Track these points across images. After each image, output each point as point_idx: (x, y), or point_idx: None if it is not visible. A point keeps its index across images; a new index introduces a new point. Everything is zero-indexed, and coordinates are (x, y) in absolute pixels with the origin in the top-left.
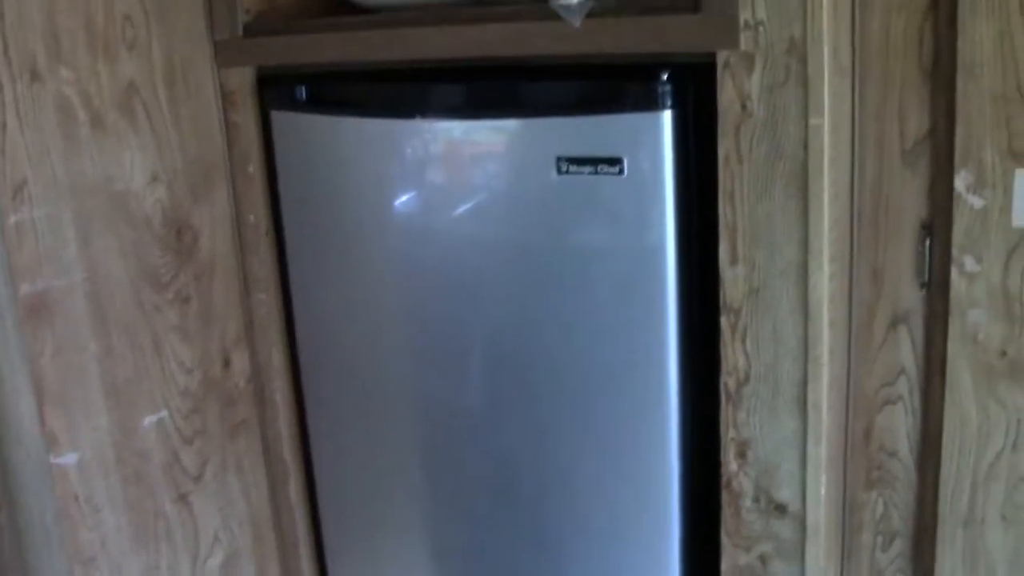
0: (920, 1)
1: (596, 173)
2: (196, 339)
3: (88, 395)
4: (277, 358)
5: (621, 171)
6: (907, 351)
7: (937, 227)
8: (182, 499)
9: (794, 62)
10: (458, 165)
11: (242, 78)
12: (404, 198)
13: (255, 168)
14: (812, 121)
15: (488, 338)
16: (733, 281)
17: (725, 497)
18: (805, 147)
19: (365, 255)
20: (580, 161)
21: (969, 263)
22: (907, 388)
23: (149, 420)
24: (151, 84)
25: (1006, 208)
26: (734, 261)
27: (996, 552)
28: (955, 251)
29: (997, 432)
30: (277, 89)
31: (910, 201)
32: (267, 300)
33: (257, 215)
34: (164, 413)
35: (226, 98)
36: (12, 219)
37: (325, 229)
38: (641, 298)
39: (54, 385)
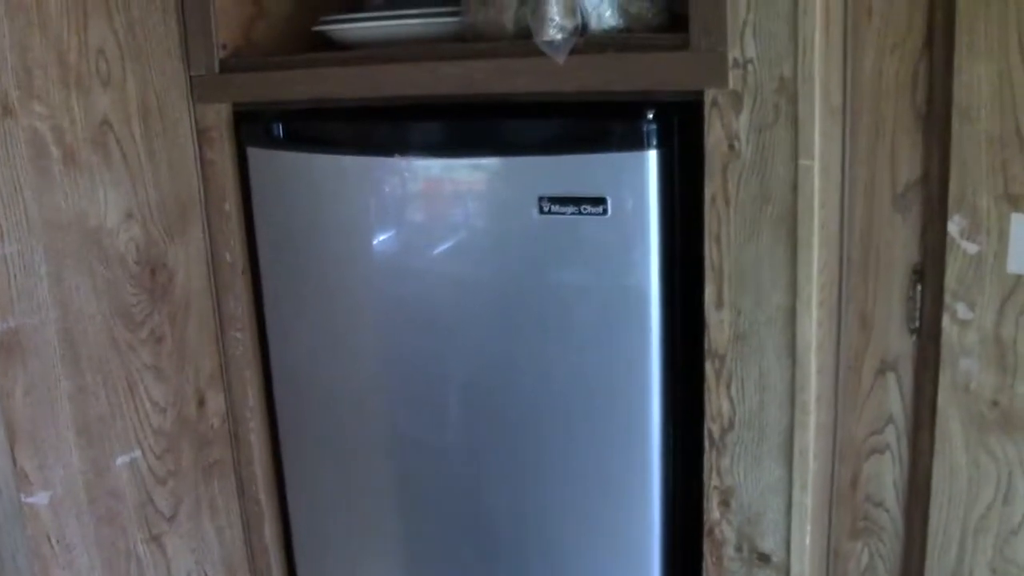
0: (915, 41)
1: (579, 213)
2: (170, 378)
3: (60, 433)
4: (252, 398)
5: (605, 211)
6: (895, 399)
7: (929, 273)
8: (155, 540)
9: (784, 101)
10: (437, 204)
11: (218, 114)
12: (382, 236)
13: (231, 206)
14: (802, 162)
15: (467, 379)
16: (719, 326)
17: (707, 545)
18: (794, 189)
19: (343, 294)
20: (563, 201)
21: (962, 310)
22: (895, 437)
23: (122, 460)
24: (126, 120)
25: (1001, 254)
26: (720, 305)
27: None
28: (947, 297)
29: (987, 484)
30: (254, 125)
31: (901, 246)
32: (243, 339)
33: (233, 253)
34: (137, 453)
35: (202, 134)
36: None
37: (302, 267)
38: (624, 340)
39: (25, 423)
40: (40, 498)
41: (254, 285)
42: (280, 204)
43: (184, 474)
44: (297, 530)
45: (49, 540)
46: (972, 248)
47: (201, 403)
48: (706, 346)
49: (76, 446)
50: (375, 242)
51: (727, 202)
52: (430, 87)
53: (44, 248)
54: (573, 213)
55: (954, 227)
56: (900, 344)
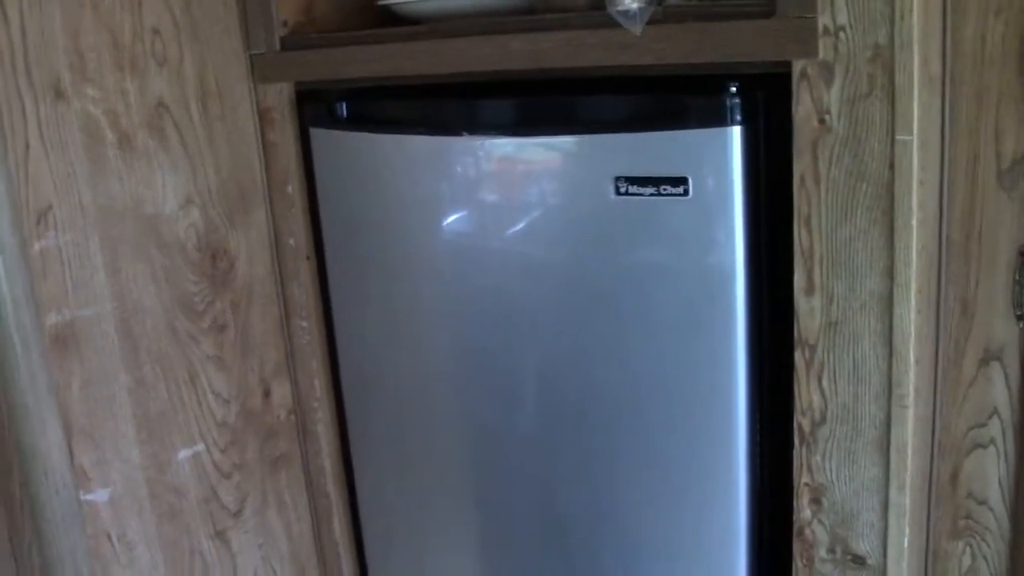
0: (1022, 3)
1: (658, 194)
2: (233, 369)
3: (119, 428)
4: (319, 388)
5: (685, 192)
6: (1000, 390)
7: None
8: (220, 536)
9: (879, 72)
10: (508, 185)
11: (280, 94)
12: (451, 219)
13: (294, 188)
14: (899, 137)
15: (540, 367)
16: (809, 313)
17: (797, 547)
18: (891, 166)
19: (411, 279)
20: (641, 181)
21: None
22: (1000, 430)
23: (184, 454)
24: (183, 102)
25: None
26: (810, 291)
27: None
28: None
29: None
30: (316, 105)
31: (1006, 226)
32: (308, 328)
33: (297, 238)
34: (200, 446)
35: (263, 116)
36: (36, 246)
37: (369, 252)
38: (707, 328)
39: (82, 418)
40: (99, 495)
41: (319, 271)
42: (345, 187)
43: (249, 468)
44: (367, 523)
45: (109, 538)
46: None
47: (266, 394)
48: (796, 335)
49: (136, 441)
50: (444, 225)
51: (817, 181)
52: (499, 62)
53: (100, 236)
54: (652, 194)
55: None
56: (1005, 331)
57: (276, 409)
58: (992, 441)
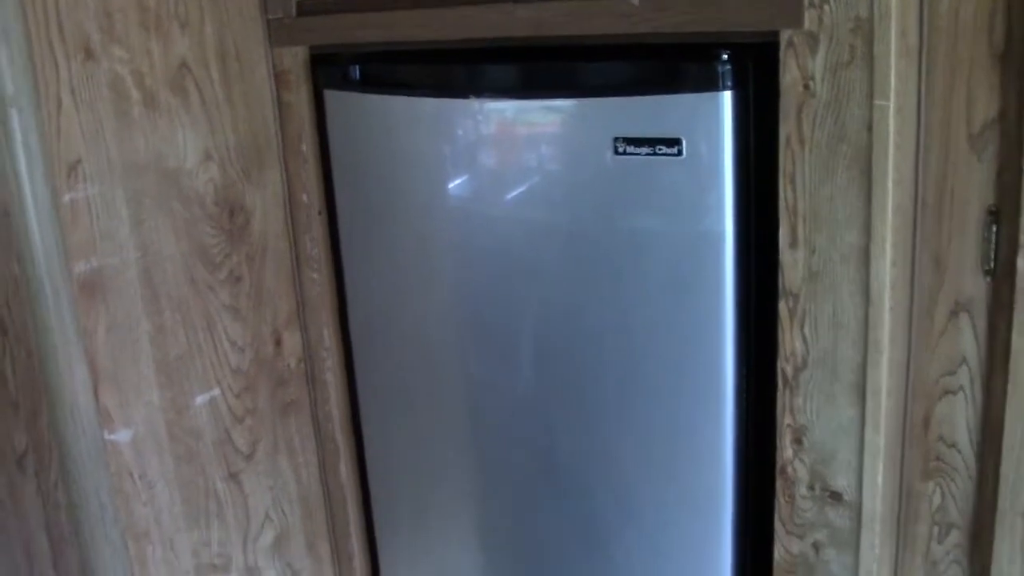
0: None
1: (654, 154)
2: (248, 318)
3: (141, 372)
4: (329, 338)
5: (679, 152)
6: (969, 340)
7: (1004, 213)
8: (233, 477)
9: (860, 42)
10: (512, 145)
11: (295, 57)
12: (458, 178)
13: (308, 148)
14: (877, 102)
15: (540, 322)
16: (792, 265)
17: (780, 484)
18: (869, 129)
19: (418, 236)
20: (638, 142)
21: None
22: (968, 378)
23: (201, 398)
24: (203, 63)
25: None
26: (794, 244)
27: None
28: (1023, 238)
29: None
30: (330, 68)
31: (976, 186)
32: (319, 280)
33: (310, 195)
34: (216, 391)
35: (279, 77)
36: (67, 197)
37: (378, 209)
38: (698, 282)
39: (107, 362)
40: (122, 435)
41: (330, 227)
42: (356, 146)
43: (262, 413)
44: (373, 469)
45: (131, 476)
46: None
47: (278, 343)
48: (780, 285)
49: (157, 384)
50: (450, 184)
51: (802, 143)
52: (503, 29)
53: (125, 190)
54: (648, 154)
55: None
56: (974, 285)
57: (287, 357)
58: (961, 388)
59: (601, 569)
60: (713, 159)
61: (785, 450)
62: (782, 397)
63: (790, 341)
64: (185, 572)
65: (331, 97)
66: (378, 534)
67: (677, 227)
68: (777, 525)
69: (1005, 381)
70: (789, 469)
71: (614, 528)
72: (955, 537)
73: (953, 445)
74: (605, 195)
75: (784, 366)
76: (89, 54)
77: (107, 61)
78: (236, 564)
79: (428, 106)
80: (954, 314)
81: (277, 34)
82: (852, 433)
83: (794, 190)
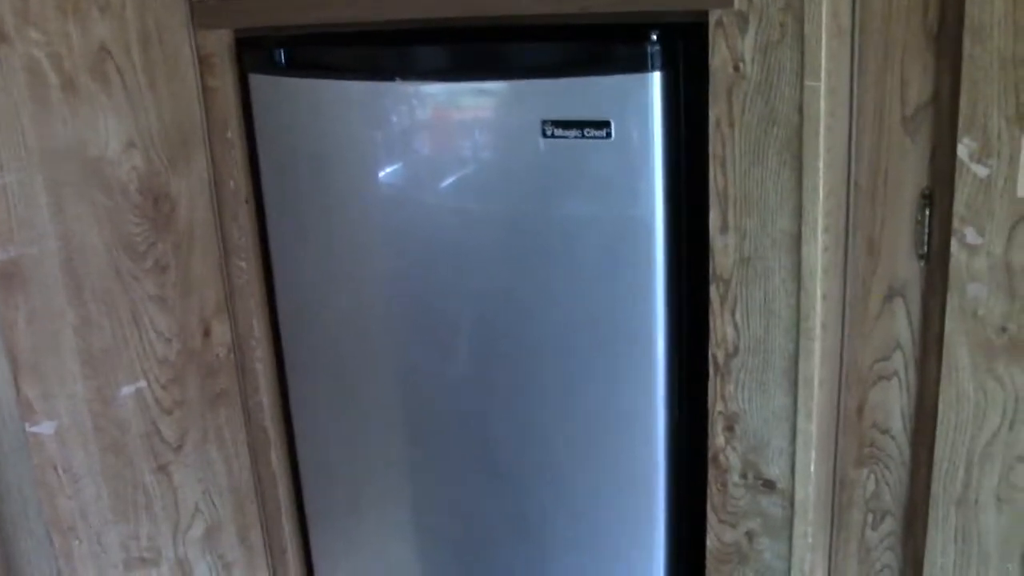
0: None
1: (583, 137)
2: (175, 308)
3: (64, 363)
4: (258, 327)
5: (608, 135)
6: (903, 325)
7: (938, 197)
8: (162, 469)
9: (790, 20)
10: (440, 128)
11: (219, 41)
12: (386, 162)
13: (234, 133)
14: (808, 83)
15: (471, 309)
16: (723, 250)
17: (712, 472)
18: (800, 111)
19: (347, 221)
20: (566, 124)
21: (970, 235)
22: (902, 364)
23: (127, 390)
24: (124, 46)
25: (1011, 177)
26: (724, 229)
27: (989, 533)
28: (956, 222)
29: (994, 411)
30: (256, 51)
31: (910, 170)
32: (247, 268)
33: (237, 181)
34: (143, 383)
35: (203, 61)
36: None
37: (306, 195)
38: (628, 267)
39: (28, 353)
40: (45, 427)
41: (258, 214)
42: (283, 131)
43: (190, 404)
44: (304, 458)
45: (55, 469)
46: (982, 171)
47: (206, 333)
48: (711, 270)
49: (81, 376)
50: (379, 169)
51: (732, 125)
52: (432, 9)
53: (44, 177)
54: (576, 137)
55: (964, 150)
56: (908, 270)
57: (216, 347)
58: (895, 374)
59: (534, 555)
60: (642, 141)
61: (717, 437)
62: (714, 384)
63: (721, 327)
64: (114, 566)
65: (257, 81)
66: (311, 524)
67: (607, 211)
68: (710, 514)
69: (939, 366)
70: (721, 457)
71: (547, 513)
72: (889, 524)
73: (887, 432)
74: (536, 180)
75: (715, 352)
76: (3, 37)
77: (22, 44)
78: (166, 557)
79: (355, 89)
80: (888, 299)
81: (201, 17)
82: (785, 421)
83: (724, 173)
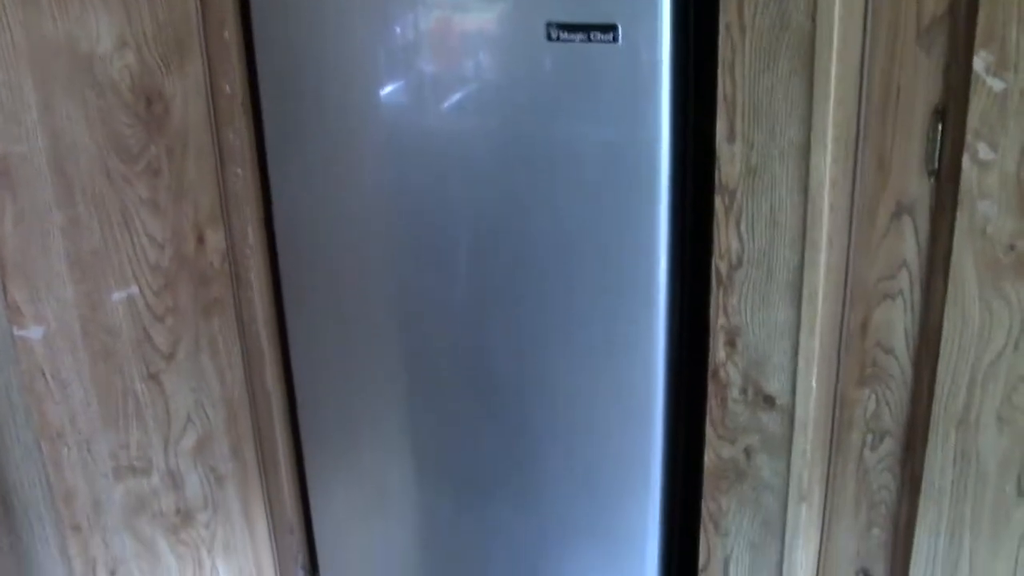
0: None
1: (589, 41)
2: (168, 213)
3: (52, 266)
4: (253, 236)
5: (615, 39)
6: (910, 243)
7: (951, 112)
8: (153, 378)
9: None
10: (443, 32)
11: None
12: (387, 68)
13: (231, 35)
14: None
15: (471, 223)
16: (730, 159)
17: (712, 387)
18: (813, 18)
19: (346, 129)
20: (572, 28)
21: (983, 150)
22: (908, 282)
23: (118, 295)
24: None
25: None
26: (731, 138)
27: (989, 453)
28: (969, 137)
29: (999, 331)
30: None
31: (923, 84)
32: (243, 175)
33: (233, 85)
34: (134, 289)
35: None
36: None
37: (304, 102)
38: (633, 179)
39: (16, 255)
40: (33, 332)
41: (255, 120)
42: (282, 34)
43: (183, 312)
44: (299, 373)
45: (43, 375)
46: (998, 85)
47: (200, 240)
48: (716, 180)
49: (70, 280)
50: (380, 76)
51: (742, 30)
52: None
53: (33, 74)
54: (583, 40)
55: (980, 63)
56: (917, 186)
57: (210, 255)
58: (900, 292)
59: (532, 475)
60: (650, 47)
61: (718, 352)
62: (716, 297)
63: (725, 238)
64: (103, 475)
65: None
66: (304, 439)
67: (613, 121)
68: (708, 430)
69: (945, 286)
70: (722, 372)
71: (546, 433)
72: (888, 445)
73: (890, 351)
74: (540, 89)
75: (719, 264)
76: None
77: None
78: (157, 467)
79: None
80: (896, 216)
81: None
82: (787, 336)
83: (733, 81)
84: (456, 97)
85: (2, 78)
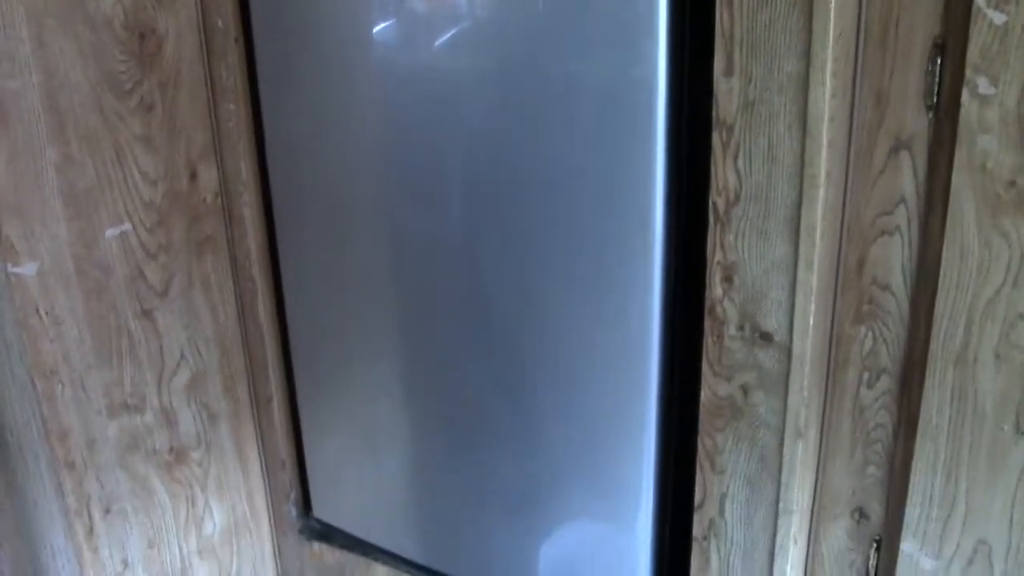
0: None
1: None
2: (161, 150)
3: (46, 203)
4: (246, 172)
5: None
6: (908, 179)
7: (950, 45)
8: (146, 315)
9: None
10: None
11: None
12: (380, 3)
13: None
14: None
15: (465, 162)
16: (727, 94)
17: (708, 324)
18: None
19: (338, 65)
20: None
21: (983, 85)
22: (905, 218)
23: (111, 232)
24: None
25: None
26: (729, 72)
27: (986, 391)
28: (968, 71)
29: (998, 267)
30: None
31: (922, 17)
32: (235, 111)
33: (225, 20)
34: (127, 226)
35: None
36: None
37: (297, 37)
38: (630, 114)
39: (9, 192)
40: (27, 268)
41: (248, 56)
42: None
43: (176, 249)
44: (291, 309)
45: (38, 312)
46: (999, 18)
47: (193, 176)
48: (714, 115)
49: (63, 217)
50: (372, 9)
51: None
52: None
53: (25, 8)
54: None
55: None
56: (916, 122)
57: (203, 192)
58: (898, 229)
59: (525, 413)
60: None
61: (715, 288)
62: (713, 233)
63: (723, 174)
64: (97, 412)
65: None
66: (297, 377)
67: (610, 57)
68: (704, 367)
69: (943, 222)
70: (718, 308)
71: (540, 371)
72: (885, 383)
73: (887, 288)
74: (534, 25)
75: (716, 200)
76: None
77: None
78: (150, 404)
79: None
80: (894, 151)
81: None
82: (784, 272)
83: (731, 13)
84: (449, 33)
85: None
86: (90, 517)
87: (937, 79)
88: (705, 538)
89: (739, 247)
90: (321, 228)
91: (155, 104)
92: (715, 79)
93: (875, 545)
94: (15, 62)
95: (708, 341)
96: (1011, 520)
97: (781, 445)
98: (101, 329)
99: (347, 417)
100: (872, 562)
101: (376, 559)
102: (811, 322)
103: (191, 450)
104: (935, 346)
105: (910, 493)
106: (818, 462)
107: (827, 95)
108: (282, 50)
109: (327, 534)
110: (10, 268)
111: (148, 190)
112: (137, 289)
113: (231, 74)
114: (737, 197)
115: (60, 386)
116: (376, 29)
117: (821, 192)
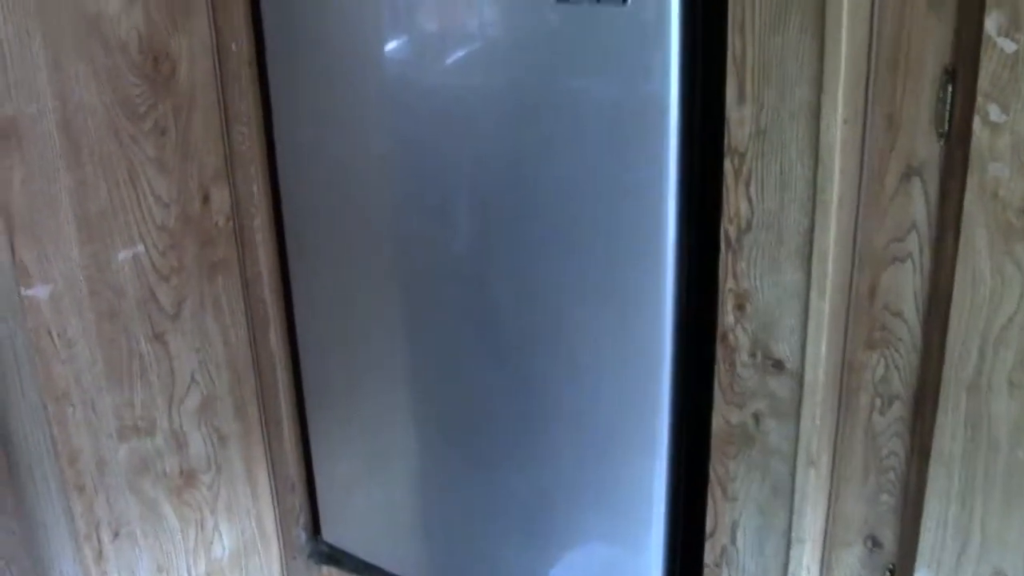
0: None
1: (597, 1)
2: (174, 172)
3: (60, 226)
4: (258, 195)
5: (623, 0)
6: (920, 206)
7: (962, 73)
8: (158, 338)
9: None
10: None
11: None
12: (394, 27)
13: None
14: None
15: (475, 181)
16: (739, 121)
17: (720, 351)
18: None
19: (351, 87)
20: None
21: (994, 112)
22: (917, 245)
23: (124, 254)
24: None
25: None
26: (741, 100)
27: (1000, 419)
28: (980, 99)
29: (1011, 294)
30: None
31: (933, 44)
32: (248, 134)
33: (239, 43)
34: (140, 248)
35: None
36: None
37: (310, 60)
38: (640, 140)
39: (23, 215)
40: (40, 291)
41: (261, 79)
42: None
43: (188, 272)
44: (302, 331)
45: (50, 334)
46: (1010, 46)
47: (205, 199)
48: (726, 143)
49: (77, 240)
50: (386, 33)
51: None
52: None
53: (42, 34)
54: (590, 2)
55: (991, 23)
56: (927, 148)
57: (215, 215)
58: (909, 255)
59: (537, 437)
60: (659, 8)
61: (727, 316)
62: (725, 260)
63: (735, 202)
64: (108, 434)
65: None
66: (308, 399)
67: (620, 80)
68: (717, 394)
69: (955, 248)
70: (730, 336)
71: (552, 394)
72: (897, 410)
73: (899, 314)
74: (547, 46)
75: (728, 227)
76: None
77: None
78: (161, 427)
79: None
80: (906, 178)
81: None
82: (796, 299)
83: (743, 40)
84: (461, 54)
85: (13, 39)
86: (99, 541)
87: (948, 106)
88: (717, 565)
89: (751, 274)
90: (333, 250)
91: (169, 127)
92: (727, 106)
93: (889, 574)
94: (31, 87)
95: (720, 369)
96: None
97: (793, 473)
98: (113, 351)
99: (357, 439)
100: None
101: None
102: (823, 349)
103: (201, 473)
104: (948, 373)
105: (924, 521)
106: (830, 489)
107: (839, 121)
108: (294, 72)
109: (336, 558)
110: (24, 291)
111: (161, 213)
112: (149, 311)
113: (244, 97)
114: (749, 225)
115: (71, 408)
116: (388, 49)
117: (833, 219)
